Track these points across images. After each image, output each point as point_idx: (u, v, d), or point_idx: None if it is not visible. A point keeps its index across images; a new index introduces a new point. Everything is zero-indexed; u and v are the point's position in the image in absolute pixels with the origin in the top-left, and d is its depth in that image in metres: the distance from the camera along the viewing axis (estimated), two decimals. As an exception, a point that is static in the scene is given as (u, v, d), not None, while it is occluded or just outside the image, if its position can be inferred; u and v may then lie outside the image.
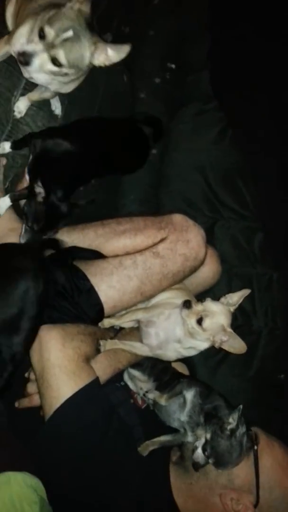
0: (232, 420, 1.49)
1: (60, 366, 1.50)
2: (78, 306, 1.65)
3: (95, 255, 1.78)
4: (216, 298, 1.70)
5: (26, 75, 1.65)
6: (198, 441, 1.54)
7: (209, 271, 1.99)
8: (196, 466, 1.49)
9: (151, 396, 1.69)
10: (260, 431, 1.56)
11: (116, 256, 1.77)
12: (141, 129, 2.05)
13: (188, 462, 1.57)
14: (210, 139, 2.50)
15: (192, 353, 1.71)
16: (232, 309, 1.65)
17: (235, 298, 1.68)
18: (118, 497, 1.49)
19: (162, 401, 1.66)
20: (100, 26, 2.33)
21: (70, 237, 1.81)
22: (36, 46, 1.48)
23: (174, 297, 1.76)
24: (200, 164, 2.45)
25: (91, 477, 1.48)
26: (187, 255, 1.77)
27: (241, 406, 1.51)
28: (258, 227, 2.35)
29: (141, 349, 1.72)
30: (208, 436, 1.50)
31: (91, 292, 1.67)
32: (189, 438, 1.60)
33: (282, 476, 1.51)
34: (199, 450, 1.50)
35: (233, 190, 2.41)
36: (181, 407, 1.62)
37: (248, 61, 2.47)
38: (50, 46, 1.47)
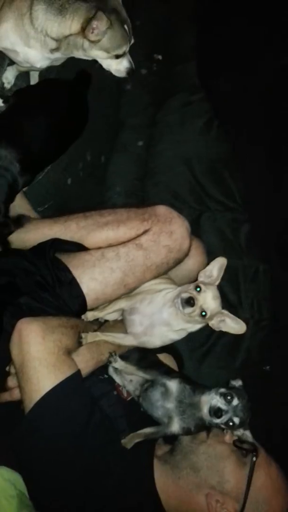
0: (235, 383, 1.55)
1: (40, 359, 1.48)
2: (59, 298, 1.64)
3: (78, 248, 1.77)
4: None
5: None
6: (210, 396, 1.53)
7: (194, 263, 1.98)
8: (219, 412, 1.48)
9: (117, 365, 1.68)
10: (260, 448, 1.54)
11: (99, 248, 1.75)
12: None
13: (179, 457, 1.57)
14: (196, 130, 2.50)
15: (182, 335, 1.70)
16: (216, 283, 1.64)
17: (215, 272, 1.66)
18: (99, 488, 1.48)
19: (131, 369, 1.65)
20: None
21: (52, 230, 1.79)
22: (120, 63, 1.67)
23: (156, 283, 1.75)
24: (187, 156, 2.44)
25: (71, 470, 1.47)
26: (170, 246, 1.76)
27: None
28: (245, 219, 2.35)
29: (124, 339, 1.70)
30: (222, 389, 1.51)
31: (73, 284, 1.66)
32: (174, 427, 1.59)
33: (273, 496, 1.50)
34: (218, 397, 1.50)
35: (219, 181, 2.40)
36: (164, 394, 1.61)
37: (234, 52, 2.46)
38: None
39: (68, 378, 1.50)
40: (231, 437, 1.55)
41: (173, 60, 2.72)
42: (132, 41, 1.65)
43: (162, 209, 1.81)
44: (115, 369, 1.77)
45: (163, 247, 1.75)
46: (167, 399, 1.60)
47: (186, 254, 1.83)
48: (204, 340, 2.16)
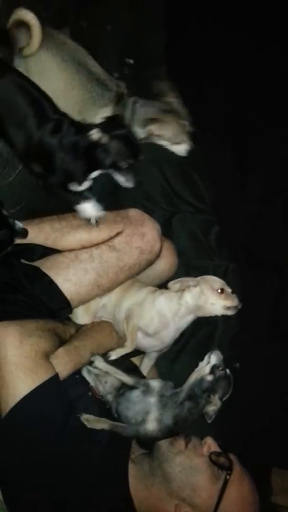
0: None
1: (16, 363, 1.48)
2: (34, 297, 1.64)
3: (45, 250, 1.79)
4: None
5: None
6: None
7: (165, 264, 2.03)
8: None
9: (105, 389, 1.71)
10: (236, 461, 1.55)
11: (72, 250, 1.78)
12: None
13: (155, 464, 1.57)
14: (167, 133, 2.52)
15: None
16: None
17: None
18: (73, 491, 1.49)
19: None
20: (57, 21, 2.32)
21: (26, 232, 1.81)
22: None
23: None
24: (157, 158, 2.46)
25: (47, 473, 1.48)
26: (142, 248, 1.81)
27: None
28: (214, 220, 2.40)
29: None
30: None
31: (51, 285, 1.68)
32: (149, 425, 1.61)
33: (242, 511, 1.52)
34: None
35: (190, 183, 2.44)
36: (146, 392, 1.65)
37: (203, 53, 2.51)
38: None
39: (45, 383, 1.50)
40: (209, 449, 1.56)
41: (145, 65, 2.76)
42: None
43: (134, 212, 1.87)
44: (89, 371, 1.78)
45: (135, 248, 1.80)
46: (148, 394, 1.64)
47: (158, 255, 1.88)
48: (177, 338, 2.20)
